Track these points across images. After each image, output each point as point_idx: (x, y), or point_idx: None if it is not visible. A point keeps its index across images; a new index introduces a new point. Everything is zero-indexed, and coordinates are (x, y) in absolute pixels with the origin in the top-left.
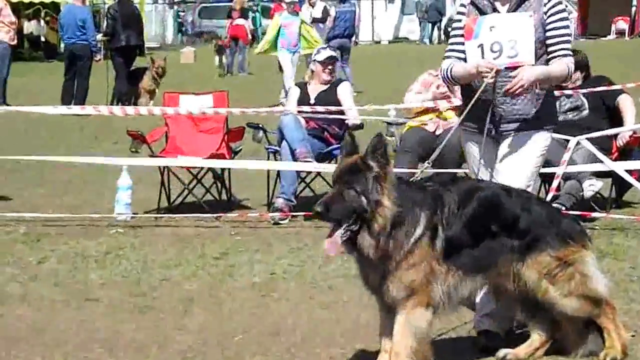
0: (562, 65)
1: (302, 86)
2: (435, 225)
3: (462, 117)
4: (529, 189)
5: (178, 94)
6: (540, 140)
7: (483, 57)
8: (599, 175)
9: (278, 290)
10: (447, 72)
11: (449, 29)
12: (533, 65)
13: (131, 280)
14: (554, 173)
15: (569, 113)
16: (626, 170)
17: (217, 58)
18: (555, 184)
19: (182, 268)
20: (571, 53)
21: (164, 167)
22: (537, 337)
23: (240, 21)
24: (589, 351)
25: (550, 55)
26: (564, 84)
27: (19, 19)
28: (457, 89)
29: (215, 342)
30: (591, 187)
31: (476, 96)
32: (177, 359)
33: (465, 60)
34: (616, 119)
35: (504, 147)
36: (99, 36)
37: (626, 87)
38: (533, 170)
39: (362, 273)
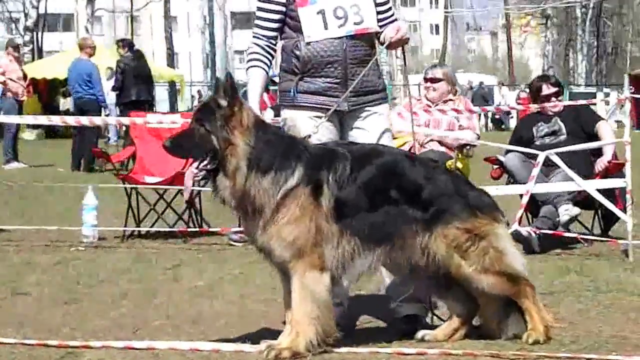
0: (401, 24)
1: None
2: (319, 182)
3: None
4: None
5: (145, 112)
6: (387, 114)
7: (326, 25)
8: (580, 205)
9: (217, 290)
10: (246, 71)
11: (496, 117)
12: (376, 31)
13: (70, 280)
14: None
15: (546, 138)
16: (611, 199)
17: None
18: (524, 200)
19: (130, 274)
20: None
21: (131, 189)
22: (456, 318)
23: None
24: (511, 334)
25: (384, 22)
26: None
27: (55, 96)
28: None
29: (131, 326)
30: (567, 212)
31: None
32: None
33: (272, 39)
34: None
35: (358, 124)
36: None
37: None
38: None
39: (245, 229)
